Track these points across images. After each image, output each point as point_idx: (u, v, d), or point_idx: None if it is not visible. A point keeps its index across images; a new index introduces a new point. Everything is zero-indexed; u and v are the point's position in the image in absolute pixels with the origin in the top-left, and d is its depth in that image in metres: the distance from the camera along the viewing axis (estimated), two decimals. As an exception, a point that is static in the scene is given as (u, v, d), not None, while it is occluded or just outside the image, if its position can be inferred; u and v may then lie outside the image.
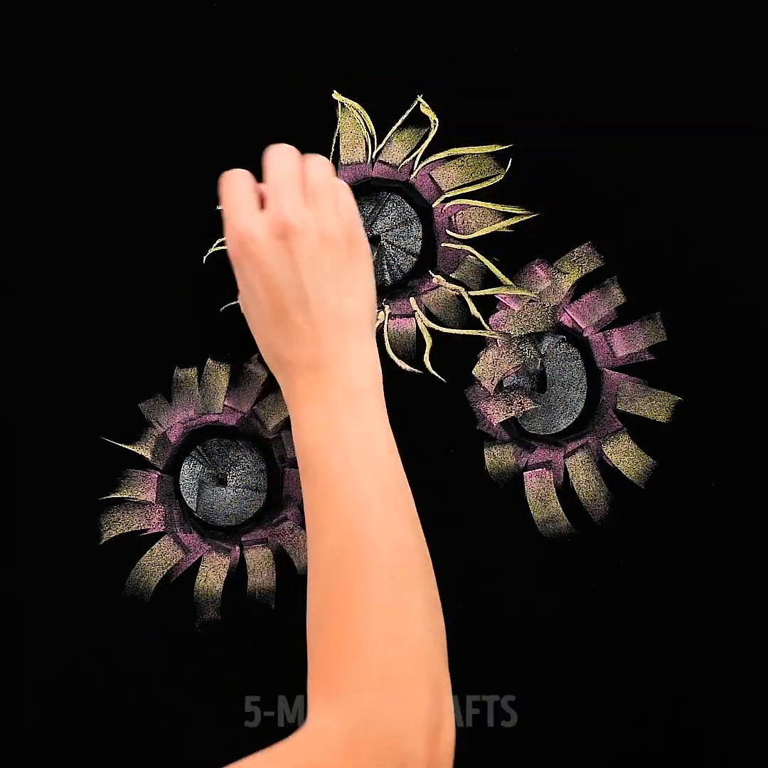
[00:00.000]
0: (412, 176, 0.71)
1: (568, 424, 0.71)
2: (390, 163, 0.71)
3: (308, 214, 0.58)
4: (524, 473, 0.70)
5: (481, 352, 0.70)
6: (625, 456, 0.70)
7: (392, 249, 0.71)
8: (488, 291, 0.70)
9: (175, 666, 0.70)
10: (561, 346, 0.71)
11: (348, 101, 0.70)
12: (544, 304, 0.70)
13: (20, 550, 0.70)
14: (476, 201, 0.70)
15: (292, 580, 0.69)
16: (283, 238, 0.57)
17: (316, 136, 0.70)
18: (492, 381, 0.70)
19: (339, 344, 0.57)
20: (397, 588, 0.53)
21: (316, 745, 0.51)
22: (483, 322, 0.70)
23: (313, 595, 0.55)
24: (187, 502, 0.70)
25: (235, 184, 0.61)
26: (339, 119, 0.71)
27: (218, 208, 0.71)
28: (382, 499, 0.55)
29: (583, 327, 0.71)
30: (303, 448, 0.57)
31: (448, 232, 0.71)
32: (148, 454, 0.70)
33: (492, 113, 0.70)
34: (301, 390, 0.58)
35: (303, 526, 0.69)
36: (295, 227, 0.57)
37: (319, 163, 0.61)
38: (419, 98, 0.70)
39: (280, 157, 0.61)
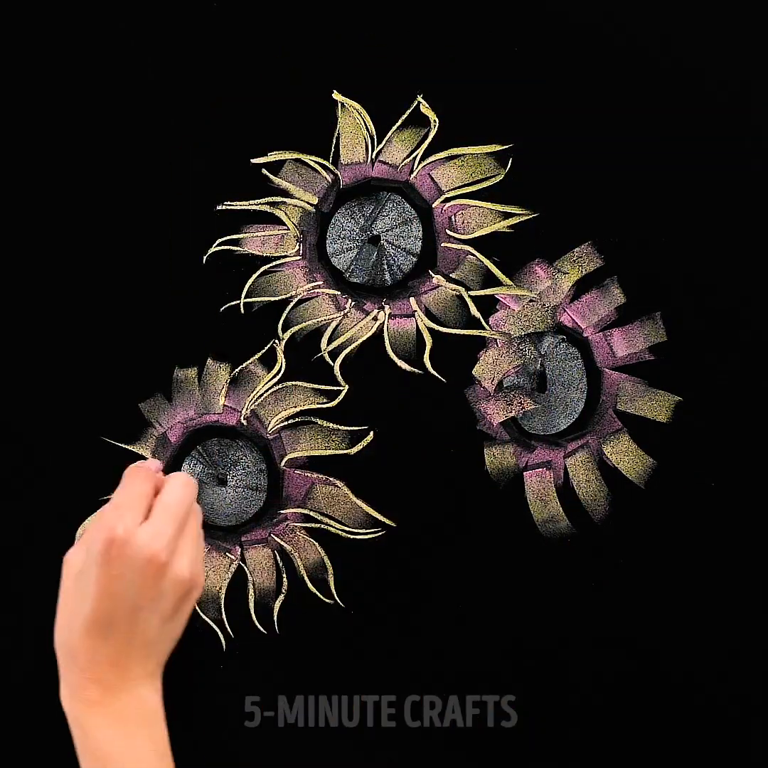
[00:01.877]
0: (412, 176, 0.71)
1: (568, 424, 0.71)
2: (390, 163, 0.71)
3: (177, 552, 0.58)
4: (524, 473, 0.70)
5: (481, 352, 0.70)
6: (625, 456, 0.70)
7: (392, 249, 0.71)
8: (488, 291, 0.70)
9: (175, 666, 0.70)
10: (561, 346, 0.71)
11: (348, 101, 0.70)
12: (544, 304, 0.70)
13: (20, 550, 0.70)
14: (476, 201, 0.70)
15: (292, 580, 0.69)
16: (148, 565, 0.57)
17: (316, 136, 0.71)
18: (492, 381, 0.70)
19: (139, 670, 0.59)
20: None
21: None
22: (483, 322, 0.70)
23: None
24: (187, 502, 0.70)
25: (135, 484, 0.60)
26: (339, 119, 0.71)
27: (218, 208, 0.71)
28: None
29: (583, 327, 0.71)
30: (95, 758, 0.58)
31: (448, 232, 0.71)
32: (148, 454, 0.70)
33: (492, 113, 0.70)
34: (93, 697, 0.58)
35: (303, 526, 0.69)
36: (163, 561, 0.57)
37: (199, 512, 0.61)
38: (419, 98, 0.70)
39: (181, 484, 0.60)
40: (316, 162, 0.71)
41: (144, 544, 0.57)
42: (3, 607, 0.70)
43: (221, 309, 0.70)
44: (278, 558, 0.70)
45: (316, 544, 0.69)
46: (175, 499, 0.59)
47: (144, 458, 0.70)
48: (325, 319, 0.70)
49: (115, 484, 0.70)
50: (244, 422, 0.70)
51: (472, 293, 0.70)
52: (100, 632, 0.58)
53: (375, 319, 0.70)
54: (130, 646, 0.58)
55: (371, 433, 0.70)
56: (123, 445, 0.70)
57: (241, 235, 0.70)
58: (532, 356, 0.71)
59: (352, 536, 0.69)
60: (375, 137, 0.71)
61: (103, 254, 0.70)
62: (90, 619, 0.58)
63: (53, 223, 0.71)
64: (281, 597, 0.69)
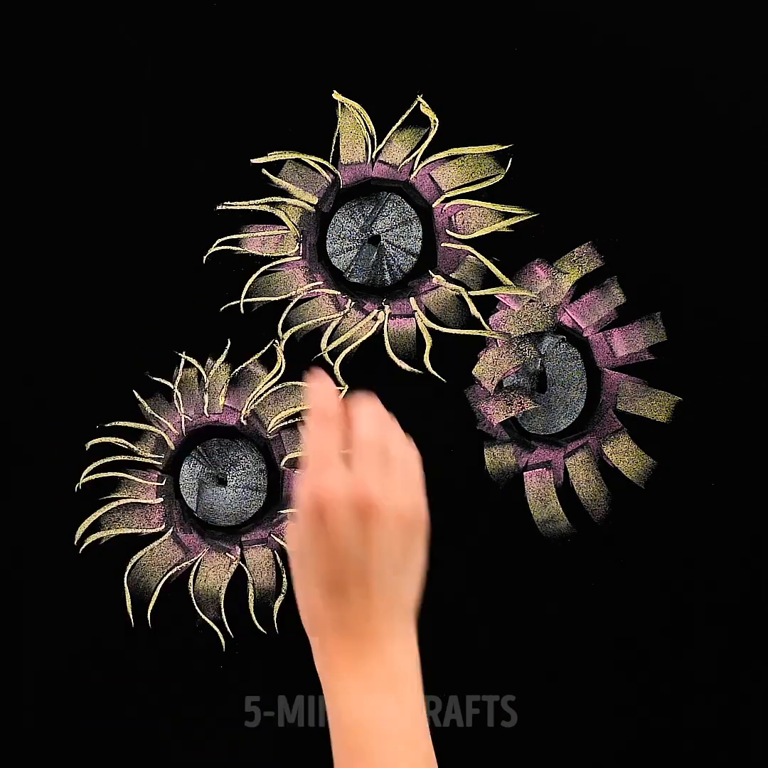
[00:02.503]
0: (412, 176, 0.71)
1: (568, 424, 0.71)
2: (390, 163, 0.71)
3: (389, 488, 0.56)
4: (524, 473, 0.70)
5: (481, 352, 0.70)
6: (625, 456, 0.70)
7: (392, 249, 0.71)
8: (488, 291, 0.70)
9: (175, 666, 0.70)
10: (561, 346, 0.71)
11: (348, 101, 0.70)
12: (544, 304, 0.70)
13: (20, 550, 0.70)
14: (476, 201, 0.70)
15: (292, 580, 0.69)
16: (362, 514, 0.55)
17: (316, 136, 0.71)
18: (492, 381, 0.70)
19: (387, 626, 0.56)
20: None
21: None
22: (483, 322, 0.70)
23: None
24: (187, 502, 0.70)
25: (321, 437, 0.57)
26: (339, 119, 0.71)
27: (218, 208, 0.71)
28: None
29: (583, 327, 0.71)
30: (342, 726, 0.56)
31: (448, 232, 0.71)
32: (148, 454, 0.70)
33: (492, 113, 0.70)
34: (340, 661, 0.56)
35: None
36: (376, 504, 0.55)
37: (400, 435, 0.59)
38: (419, 98, 0.70)
39: (369, 418, 0.57)
40: (316, 162, 0.71)
41: (349, 494, 0.55)
42: (2, 606, 0.70)
43: (221, 309, 0.70)
44: (278, 558, 0.70)
45: (316, 544, 0.69)
46: (367, 435, 0.56)
47: (144, 458, 0.70)
48: (325, 319, 0.70)
49: (115, 484, 0.70)
50: (244, 422, 0.70)
51: (472, 293, 0.70)
52: (334, 596, 0.55)
53: (375, 319, 0.70)
54: (368, 604, 0.55)
55: (371, 433, 0.70)
56: (123, 445, 0.70)
57: (241, 235, 0.70)
58: (532, 356, 0.71)
59: (352, 536, 0.69)
60: (375, 137, 0.71)
61: (104, 254, 0.70)
62: (322, 585, 0.56)
63: (53, 223, 0.71)
64: (281, 597, 0.69)
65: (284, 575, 0.69)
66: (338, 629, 0.56)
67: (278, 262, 0.71)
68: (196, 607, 0.69)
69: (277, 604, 0.69)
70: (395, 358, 0.70)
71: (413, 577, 0.58)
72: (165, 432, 0.70)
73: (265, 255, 0.71)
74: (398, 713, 0.56)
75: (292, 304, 0.70)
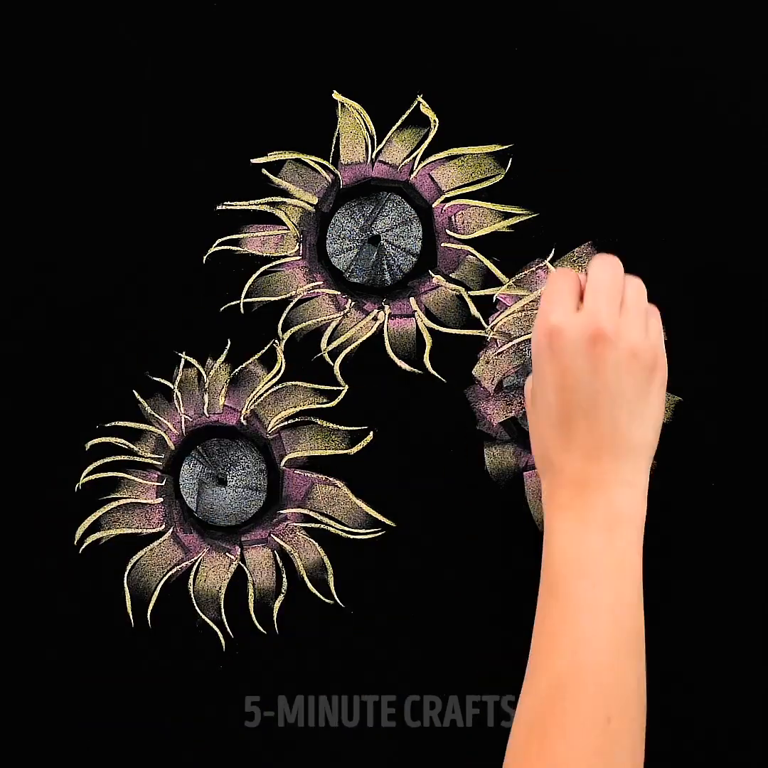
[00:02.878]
0: (412, 176, 0.71)
1: (568, 424, 0.71)
2: (390, 163, 0.71)
3: (623, 326, 0.56)
4: (524, 473, 0.70)
5: (481, 352, 0.70)
6: (625, 456, 0.70)
7: (392, 249, 0.71)
8: (488, 291, 0.70)
9: (175, 666, 0.70)
10: (561, 346, 0.71)
11: (348, 101, 0.70)
12: (544, 304, 0.70)
13: (20, 550, 0.70)
14: (476, 201, 0.70)
15: (292, 580, 0.69)
16: (593, 343, 0.55)
17: (316, 136, 0.71)
18: (492, 381, 0.70)
19: (613, 466, 0.55)
20: (609, 733, 0.51)
21: None
22: (483, 322, 0.70)
23: (521, 721, 0.53)
24: (187, 502, 0.70)
25: (559, 279, 0.59)
26: (339, 119, 0.71)
27: (218, 208, 0.71)
28: (616, 636, 0.53)
29: (583, 327, 0.71)
30: (551, 563, 0.56)
31: (448, 232, 0.71)
32: (148, 454, 0.70)
33: (492, 113, 0.70)
34: (562, 501, 0.56)
35: (303, 526, 0.69)
36: (607, 335, 0.55)
37: (638, 284, 0.60)
38: (419, 98, 0.70)
39: (604, 263, 0.59)
40: (316, 162, 0.71)
41: (582, 325, 0.55)
42: (2, 606, 0.70)
43: (221, 309, 0.70)
44: (278, 558, 0.70)
45: (316, 544, 0.69)
46: (601, 277, 0.57)
47: (144, 458, 0.70)
48: (325, 319, 0.70)
49: (115, 484, 0.70)
50: (244, 422, 0.70)
51: (472, 293, 0.70)
52: (564, 429, 0.55)
53: (375, 319, 0.70)
54: (599, 441, 0.55)
55: (371, 433, 0.70)
56: (123, 445, 0.70)
57: (241, 235, 0.70)
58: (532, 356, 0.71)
59: (352, 536, 0.69)
60: (375, 137, 0.71)
61: (103, 254, 0.70)
62: (553, 417, 0.56)
63: (53, 223, 0.71)
64: (281, 597, 0.69)
65: (284, 575, 0.69)
66: (564, 464, 0.56)
67: (278, 262, 0.71)
68: (196, 607, 0.69)
69: (277, 604, 0.69)
70: (395, 358, 0.70)
71: (646, 422, 0.56)
72: (165, 432, 0.70)
73: (265, 255, 0.71)
74: (606, 556, 0.54)
75: (292, 304, 0.70)
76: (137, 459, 0.70)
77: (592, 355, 0.55)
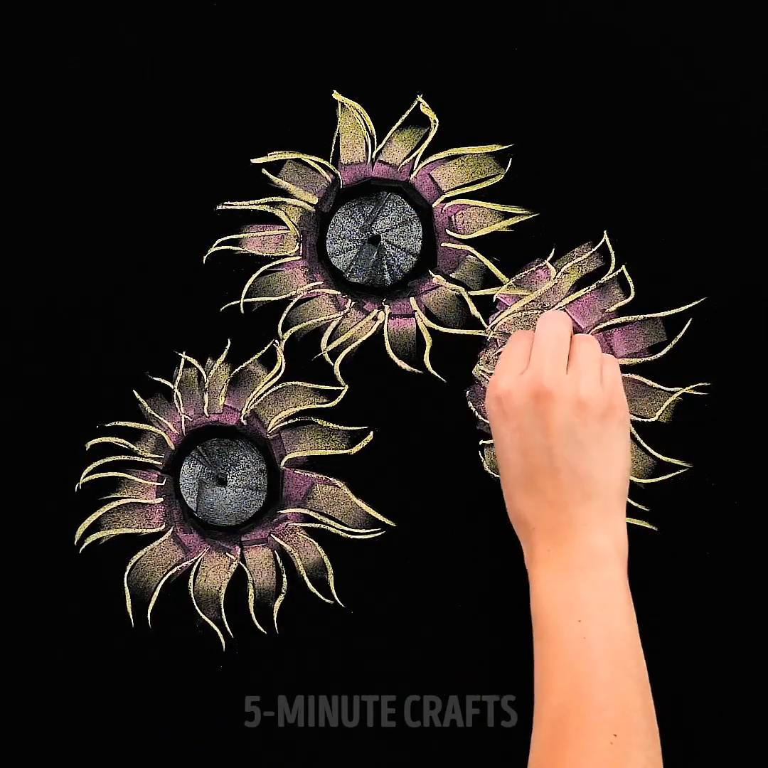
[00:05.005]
0: (412, 176, 0.71)
1: (568, 424, 0.71)
2: (390, 163, 0.71)
3: (567, 380, 0.58)
4: (524, 473, 0.70)
5: (481, 352, 0.71)
6: (625, 456, 0.70)
7: (392, 249, 0.71)
8: (488, 291, 0.70)
9: (175, 666, 0.70)
10: (561, 346, 0.71)
11: (348, 101, 0.70)
12: (544, 304, 0.70)
13: (20, 550, 0.70)
14: (476, 201, 0.70)
15: (292, 580, 0.69)
16: (537, 401, 0.57)
17: (316, 136, 0.71)
18: (492, 381, 0.70)
19: (581, 512, 0.57)
20: (618, 746, 0.53)
21: None
22: (483, 322, 0.70)
23: (537, 748, 0.55)
24: (187, 502, 0.70)
25: (511, 344, 0.62)
26: (339, 119, 0.71)
27: (218, 208, 0.71)
28: (612, 663, 0.55)
29: (583, 327, 0.71)
30: (538, 610, 0.57)
31: (448, 232, 0.71)
32: (148, 454, 0.70)
33: (492, 113, 0.70)
34: (540, 555, 0.58)
35: (303, 526, 0.70)
36: (549, 391, 0.57)
37: (588, 339, 0.62)
38: (419, 98, 0.70)
39: (549, 321, 0.61)
40: (316, 162, 0.71)
41: (526, 385, 0.57)
42: (2, 607, 0.70)
43: (221, 309, 0.70)
44: (278, 558, 0.70)
45: (316, 544, 0.69)
46: (545, 335, 0.59)
47: (144, 458, 0.70)
48: (325, 319, 0.70)
49: (115, 484, 0.70)
50: (244, 422, 0.70)
51: (472, 293, 0.70)
52: (529, 486, 0.57)
53: (375, 319, 0.70)
54: (563, 492, 0.57)
55: (371, 433, 0.70)
56: (123, 445, 0.70)
57: (241, 235, 0.71)
58: (532, 356, 0.71)
59: (352, 536, 0.69)
60: (375, 137, 0.71)
61: (103, 254, 0.71)
62: (518, 477, 0.58)
63: (53, 223, 0.71)
64: (281, 597, 0.69)
65: (284, 575, 0.69)
66: (536, 521, 0.58)
67: (278, 262, 0.71)
68: (196, 607, 0.69)
69: (277, 604, 0.69)
70: (395, 358, 0.70)
71: (610, 465, 0.58)
72: (165, 432, 0.70)
73: (265, 255, 0.71)
74: (591, 595, 0.56)
75: (292, 304, 0.70)
76: (137, 459, 0.70)
77: (539, 413, 0.57)
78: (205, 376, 0.70)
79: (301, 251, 0.71)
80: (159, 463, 0.70)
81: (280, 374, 0.70)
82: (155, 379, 0.70)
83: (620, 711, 0.54)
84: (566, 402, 0.57)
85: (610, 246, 0.70)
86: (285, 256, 0.71)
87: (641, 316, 0.70)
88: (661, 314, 0.70)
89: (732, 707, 0.69)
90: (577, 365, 0.59)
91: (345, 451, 0.70)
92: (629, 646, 0.57)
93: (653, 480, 0.69)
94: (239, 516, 0.70)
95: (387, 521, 0.69)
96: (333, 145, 0.71)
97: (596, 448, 0.58)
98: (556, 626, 0.56)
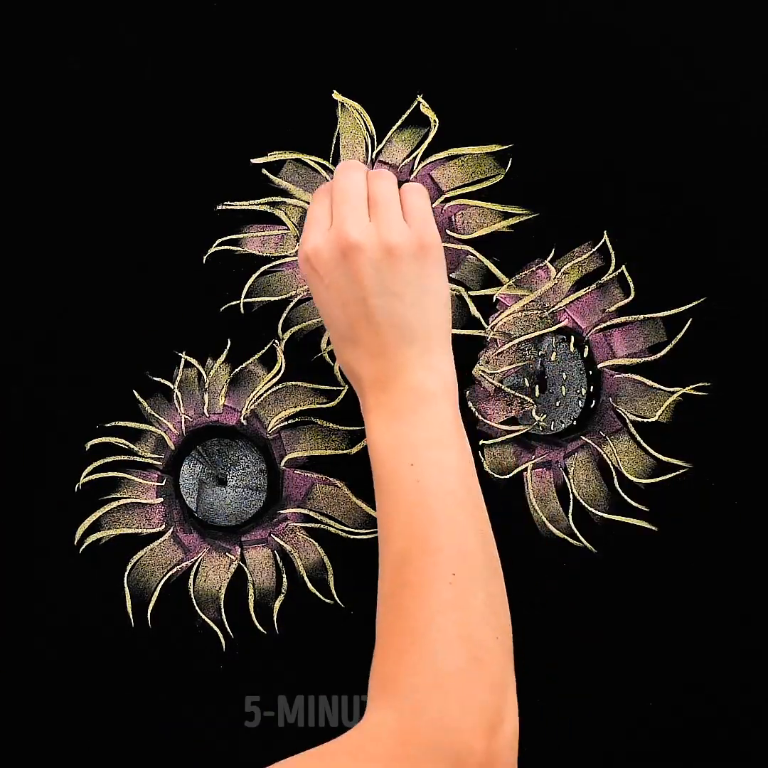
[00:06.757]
0: (413, 176, 0.71)
1: (568, 424, 0.71)
2: (390, 163, 0.71)
3: (371, 227, 0.58)
4: (524, 473, 0.70)
5: (481, 352, 0.71)
6: (625, 456, 0.70)
7: (392, 249, 0.71)
8: (488, 291, 0.70)
9: (175, 666, 0.70)
10: (561, 346, 0.71)
11: (348, 101, 0.70)
12: (544, 304, 0.70)
13: (20, 550, 0.70)
14: (476, 201, 0.70)
15: (292, 580, 0.69)
16: (344, 255, 0.57)
17: (316, 136, 0.71)
18: (492, 381, 0.70)
19: (404, 356, 0.57)
20: (457, 585, 0.53)
21: (370, 737, 0.51)
22: (483, 322, 0.70)
23: (381, 599, 0.56)
24: (187, 502, 0.70)
25: (313, 203, 0.61)
26: (339, 119, 0.71)
27: (218, 208, 0.71)
28: (446, 502, 0.55)
29: (583, 327, 0.71)
30: (373, 460, 0.58)
31: (448, 232, 0.71)
32: (148, 454, 0.70)
33: (492, 113, 0.70)
34: (370, 404, 0.58)
35: (303, 526, 0.70)
36: (355, 243, 0.57)
37: (381, 175, 0.62)
38: (419, 98, 0.70)
39: (344, 173, 0.61)
40: (316, 162, 0.71)
41: (332, 241, 0.58)
42: (2, 607, 0.70)
43: (221, 309, 0.70)
44: (278, 558, 0.70)
45: (316, 544, 0.69)
46: (342, 186, 0.59)
47: (144, 458, 0.70)
48: (325, 319, 0.70)
49: (115, 484, 0.70)
50: (244, 422, 0.70)
51: (472, 293, 0.70)
52: (352, 339, 0.58)
53: (375, 319, 0.70)
54: (382, 339, 0.57)
55: (371, 433, 0.70)
56: (123, 445, 0.70)
57: (241, 235, 0.71)
58: (532, 356, 0.71)
59: (352, 536, 0.69)
60: (375, 137, 0.71)
61: (103, 254, 0.71)
62: (342, 331, 0.58)
63: (53, 224, 0.71)
64: (281, 597, 0.69)
65: (284, 575, 0.69)
66: (363, 371, 0.58)
67: (278, 262, 0.71)
68: (196, 607, 0.69)
69: (277, 604, 0.69)
70: (395, 358, 0.70)
71: (426, 305, 0.58)
72: (165, 432, 0.70)
73: (265, 255, 0.71)
74: (420, 434, 0.56)
75: (292, 304, 0.70)
76: (137, 459, 0.70)
77: (348, 266, 0.57)
78: (205, 376, 0.70)
79: (301, 251, 0.71)
80: (159, 463, 0.70)
81: (280, 374, 0.70)
82: (155, 379, 0.70)
83: (457, 549, 0.54)
84: (374, 250, 0.57)
85: (610, 246, 0.70)
86: (285, 256, 0.71)
87: (641, 316, 0.70)
88: (661, 314, 0.70)
89: (732, 707, 0.69)
90: (376, 208, 0.59)
91: (345, 451, 0.70)
92: (464, 482, 0.57)
93: (653, 480, 0.69)
94: (239, 516, 0.70)
95: (387, 521, 0.69)
96: (333, 145, 0.71)
97: (410, 292, 0.57)
98: (391, 472, 0.56)
